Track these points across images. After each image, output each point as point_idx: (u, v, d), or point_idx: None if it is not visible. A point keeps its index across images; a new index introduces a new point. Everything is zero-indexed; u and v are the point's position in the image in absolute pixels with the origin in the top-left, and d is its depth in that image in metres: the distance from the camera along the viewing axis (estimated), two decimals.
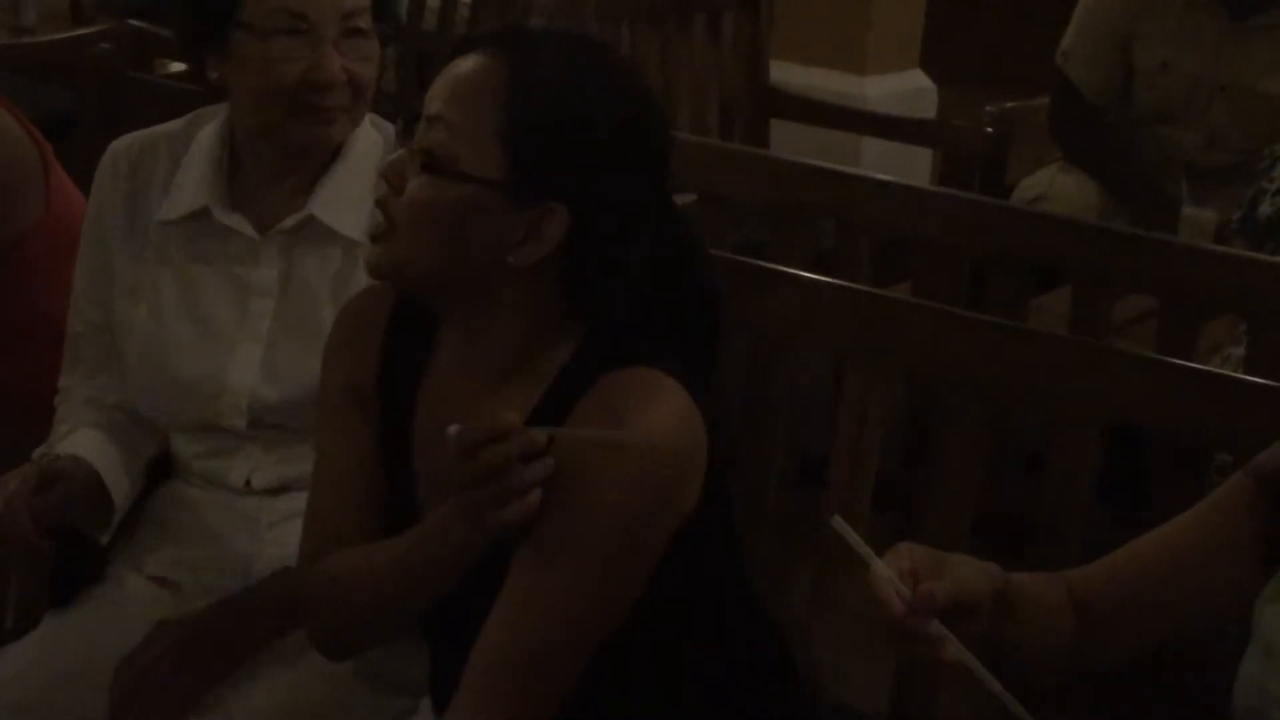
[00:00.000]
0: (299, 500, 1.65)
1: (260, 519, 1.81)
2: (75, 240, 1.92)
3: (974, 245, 2.56)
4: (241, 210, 1.82)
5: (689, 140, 2.94)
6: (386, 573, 1.47)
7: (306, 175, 1.81)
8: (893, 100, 4.65)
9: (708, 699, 1.52)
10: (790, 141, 3.97)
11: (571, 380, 1.43)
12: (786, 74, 4.34)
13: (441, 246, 1.42)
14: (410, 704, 1.70)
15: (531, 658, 1.40)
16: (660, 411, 1.39)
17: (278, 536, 1.78)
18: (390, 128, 1.85)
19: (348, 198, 1.79)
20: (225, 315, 1.81)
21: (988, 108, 3.34)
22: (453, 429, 1.35)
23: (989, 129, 3.29)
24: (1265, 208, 2.56)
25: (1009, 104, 3.36)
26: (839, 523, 1.30)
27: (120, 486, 1.83)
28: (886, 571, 1.29)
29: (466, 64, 1.42)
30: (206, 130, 1.86)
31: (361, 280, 1.76)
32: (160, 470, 1.91)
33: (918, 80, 5.08)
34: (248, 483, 1.81)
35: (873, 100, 4.69)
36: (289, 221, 1.80)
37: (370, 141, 1.83)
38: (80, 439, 1.83)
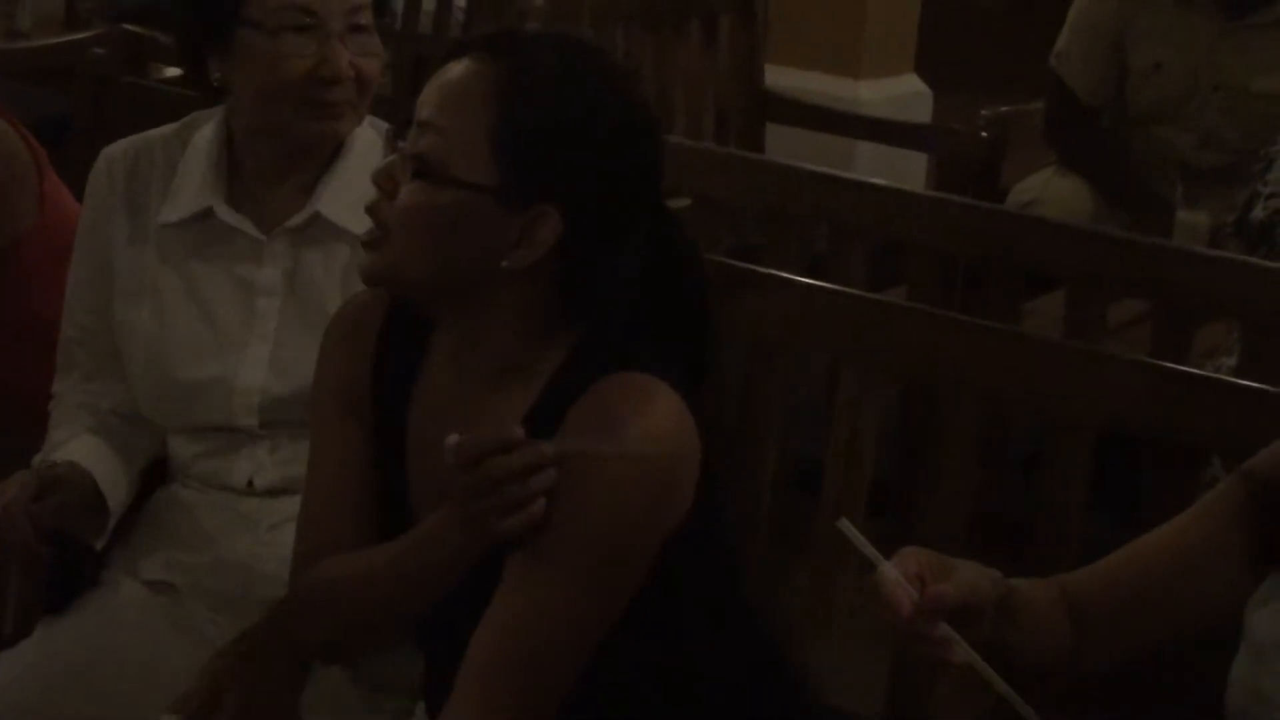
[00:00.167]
0: (299, 503, 1.65)
1: (261, 521, 1.81)
2: (70, 245, 1.92)
3: (968, 249, 2.57)
4: (243, 210, 1.83)
5: (684, 144, 2.95)
6: (382, 577, 1.47)
7: (308, 174, 1.82)
8: (887, 104, 4.66)
9: (703, 703, 1.52)
10: (785, 146, 3.97)
11: (565, 385, 1.43)
12: (782, 78, 4.35)
13: (435, 251, 1.42)
14: (405, 708, 1.70)
15: (526, 661, 1.40)
16: (653, 417, 1.39)
17: (278, 539, 1.78)
18: (386, 127, 1.85)
19: (352, 195, 1.80)
20: (231, 315, 1.81)
21: (983, 112, 3.34)
22: (452, 439, 1.35)
23: (984, 133, 3.30)
24: (1258, 212, 2.56)
25: (1004, 108, 3.36)
26: (845, 525, 1.30)
27: (116, 493, 1.83)
28: (893, 573, 1.29)
29: (457, 69, 1.42)
30: (202, 132, 1.86)
31: None
32: (156, 475, 1.91)
33: (913, 84, 5.08)
34: (250, 483, 1.81)
35: (867, 104, 4.69)
36: (294, 220, 1.81)
37: (369, 140, 1.84)
38: (77, 445, 1.83)
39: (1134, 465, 2.15)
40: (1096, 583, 1.45)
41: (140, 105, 2.53)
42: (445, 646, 1.47)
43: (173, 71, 3.32)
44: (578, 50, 1.46)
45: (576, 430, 1.40)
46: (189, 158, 1.85)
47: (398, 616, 1.51)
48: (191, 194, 1.83)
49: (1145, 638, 1.45)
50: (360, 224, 1.78)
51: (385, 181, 1.44)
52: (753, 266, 1.99)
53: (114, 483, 1.82)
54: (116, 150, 1.89)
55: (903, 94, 4.95)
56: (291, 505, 1.76)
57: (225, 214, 1.82)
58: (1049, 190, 3.28)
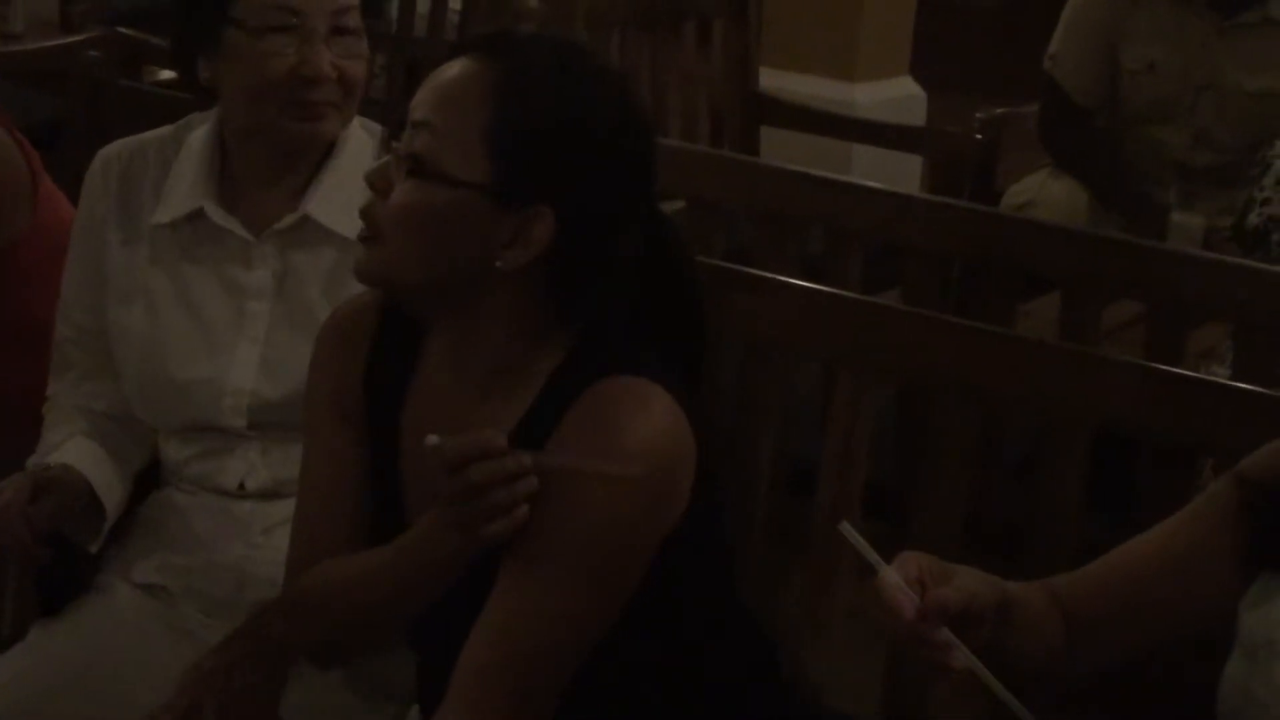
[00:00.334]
0: (291, 506, 1.65)
1: (253, 524, 1.81)
2: (65, 248, 1.92)
3: (963, 252, 2.57)
4: (235, 212, 1.83)
5: (679, 147, 2.95)
6: (375, 580, 1.47)
7: (299, 176, 1.82)
8: (882, 107, 4.66)
9: (700, 704, 1.52)
10: (780, 148, 3.97)
11: (560, 388, 1.43)
12: (776, 81, 4.35)
13: (428, 251, 1.42)
14: (399, 710, 1.69)
15: (520, 664, 1.40)
16: (649, 420, 1.39)
17: (271, 542, 1.78)
18: (377, 128, 1.86)
19: (341, 197, 1.80)
20: (221, 317, 1.81)
21: (977, 114, 3.34)
22: (431, 439, 1.35)
23: (978, 136, 3.30)
24: (1253, 218, 2.58)
25: (998, 111, 3.36)
26: (847, 528, 1.30)
27: (111, 495, 1.83)
28: (895, 577, 1.29)
29: (452, 70, 1.43)
30: (196, 134, 1.86)
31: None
32: (149, 478, 1.91)
33: (907, 87, 5.09)
34: (241, 485, 1.81)
35: (862, 107, 4.70)
36: (284, 222, 1.81)
37: (361, 142, 1.84)
38: (72, 448, 1.83)
39: (1129, 467, 2.15)
40: (1088, 585, 1.46)
41: (134, 108, 2.53)
42: (440, 649, 1.47)
43: (167, 74, 3.32)
44: (572, 51, 1.46)
45: (573, 434, 1.40)
46: (182, 159, 1.85)
47: (393, 619, 1.51)
48: (183, 195, 1.83)
49: (1137, 639, 1.45)
50: (350, 226, 1.78)
51: (380, 181, 1.44)
52: (748, 269, 1.99)
53: (109, 486, 1.82)
54: (112, 151, 1.89)
55: (897, 97, 4.96)
56: (283, 509, 1.76)
57: (216, 215, 1.82)
58: (1044, 192, 3.28)
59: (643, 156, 1.46)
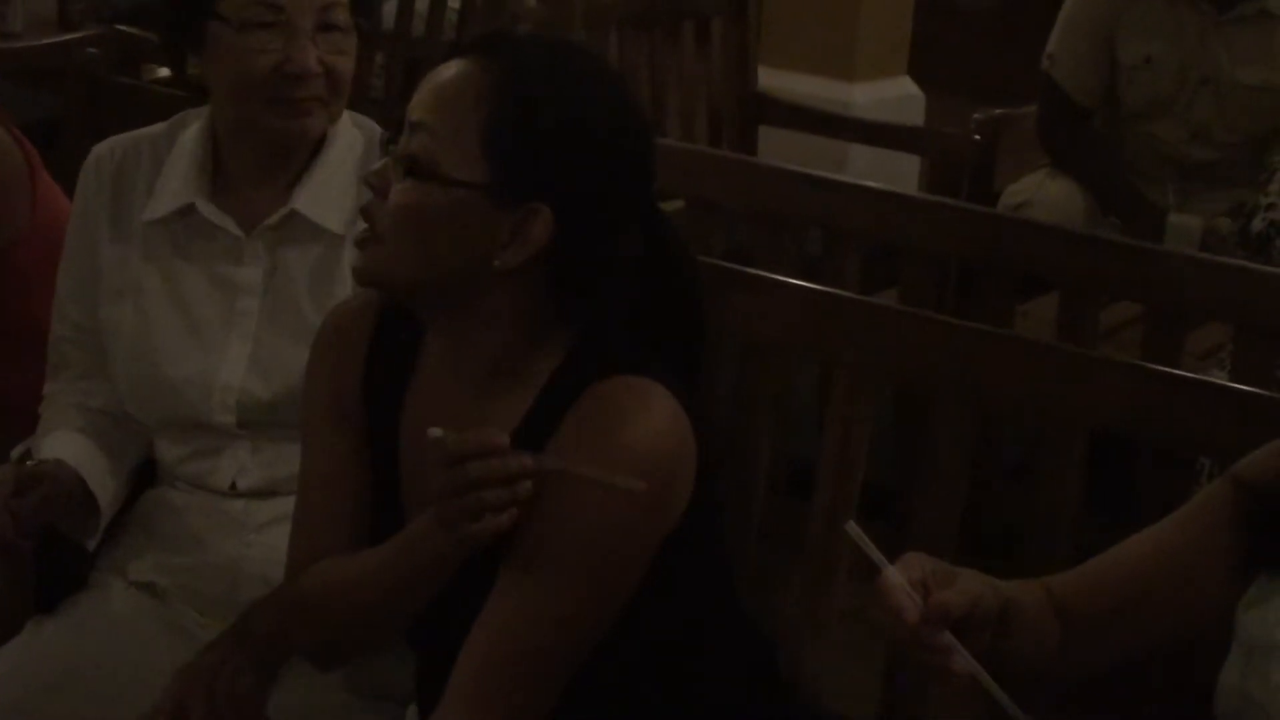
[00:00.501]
0: (285, 504, 1.65)
1: (246, 523, 1.81)
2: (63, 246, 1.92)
3: (961, 252, 2.57)
4: (226, 208, 1.83)
5: (677, 147, 2.94)
6: (372, 580, 1.47)
7: (289, 172, 1.82)
8: (881, 107, 4.66)
9: (696, 707, 1.52)
10: (778, 148, 3.98)
11: (561, 389, 1.43)
12: (775, 80, 4.35)
13: (427, 250, 1.42)
14: (397, 711, 1.69)
15: (518, 664, 1.40)
16: (649, 421, 1.39)
17: (264, 540, 1.78)
18: (370, 124, 1.86)
19: (329, 192, 1.80)
20: (212, 314, 1.81)
21: (975, 115, 3.35)
22: (434, 431, 1.35)
23: (977, 136, 3.30)
24: (1258, 222, 2.58)
25: (996, 111, 3.36)
26: (852, 528, 1.30)
27: (105, 491, 1.82)
28: (898, 579, 1.29)
29: (448, 71, 1.43)
30: (189, 131, 1.86)
31: (343, 274, 1.77)
32: (145, 476, 1.91)
33: (906, 87, 5.09)
34: (233, 485, 1.81)
35: (861, 107, 4.70)
36: (273, 218, 1.81)
37: (351, 138, 1.84)
38: (62, 442, 1.82)
39: (1127, 468, 2.15)
40: (1084, 584, 1.45)
41: (132, 106, 2.52)
42: (438, 649, 1.47)
43: (165, 72, 3.32)
44: (568, 51, 1.47)
45: (573, 434, 1.40)
46: (175, 156, 1.85)
47: (392, 618, 1.50)
48: (175, 191, 1.83)
49: (1133, 639, 1.45)
50: (338, 222, 1.79)
51: (378, 182, 1.44)
52: (746, 269, 1.99)
53: (103, 482, 1.82)
54: (105, 148, 1.89)
55: (895, 97, 4.96)
56: (276, 507, 1.77)
57: (207, 210, 1.82)
58: (1041, 193, 3.28)
59: (640, 155, 1.46)
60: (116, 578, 1.83)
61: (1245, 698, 1.36)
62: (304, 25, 1.74)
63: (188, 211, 1.83)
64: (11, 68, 3.76)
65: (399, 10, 4.29)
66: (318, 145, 1.82)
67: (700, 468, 1.44)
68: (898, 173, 4.24)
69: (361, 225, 1.47)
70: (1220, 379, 2.28)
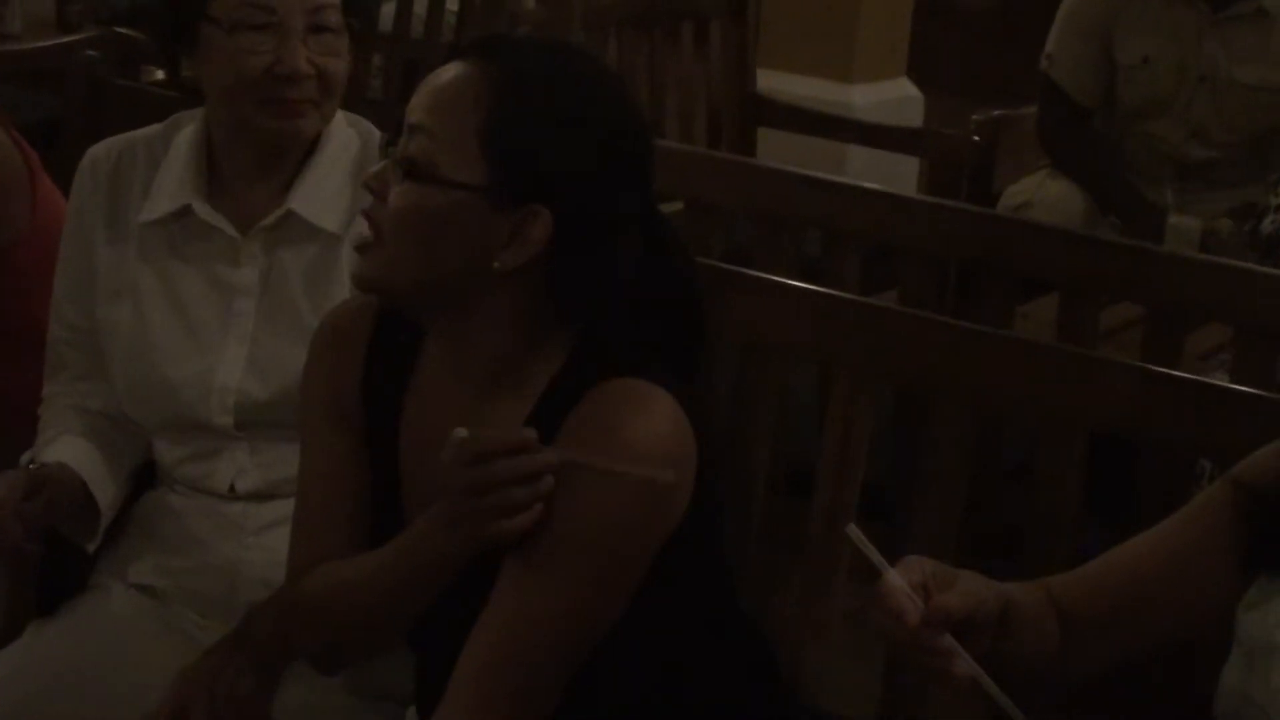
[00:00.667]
0: (284, 506, 1.65)
1: (245, 525, 1.81)
2: None
3: (961, 253, 2.57)
4: (222, 209, 1.83)
5: (676, 148, 2.95)
6: (374, 582, 1.47)
7: (284, 173, 1.82)
8: (880, 109, 4.66)
9: (696, 707, 1.52)
10: (777, 150, 3.98)
11: (562, 391, 1.43)
12: (773, 82, 4.35)
13: (426, 253, 1.42)
14: (397, 711, 1.69)
15: (519, 664, 1.40)
16: (652, 422, 1.39)
17: (263, 542, 1.78)
18: (366, 124, 1.86)
19: (324, 193, 1.81)
20: (208, 315, 1.81)
21: (974, 116, 3.35)
22: (459, 432, 1.36)
23: (976, 137, 3.30)
24: (1267, 224, 2.59)
25: (996, 112, 3.36)
26: (854, 531, 1.30)
27: (105, 493, 1.82)
28: (899, 582, 1.29)
29: (447, 73, 1.43)
30: (184, 132, 1.87)
31: (340, 273, 1.77)
32: (145, 479, 1.91)
33: (905, 89, 5.09)
34: (232, 488, 1.81)
35: (859, 109, 4.70)
36: (270, 219, 1.81)
37: (346, 138, 1.85)
38: (65, 446, 1.83)
39: (1127, 469, 2.15)
40: (1085, 586, 1.46)
41: (131, 107, 2.52)
42: (438, 649, 1.47)
43: (162, 74, 3.32)
44: (565, 52, 1.47)
45: (576, 437, 1.40)
46: (171, 157, 1.85)
47: (394, 620, 1.50)
48: (171, 192, 1.83)
49: (1134, 641, 1.45)
50: (333, 221, 1.80)
51: (377, 185, 1.44)
52: (745, 270, 1.99)
53: (103, 484, 1.82)
54: (100, 150, 1.89)
55: (895, 98, 4.96)
56: (275, 510, 1.77)
57: (204, 212, 1.82)
58: (1041, 193, 3.28)
59: (638, 155, 1.46)
60: (116, 580, 1.83)
61: (1245, 699, 1.36)
62: (295, 26, 1.75)
63: (184, 213, 1.83)
64: (11, 69, 3.76)
65: (397, 12, 4.29)
66: (312, 146, 1.83)
67: (700, 468, 1.43)
68: (897, 174, 4.25)
69: (359, 226, 1.47)
70: (1220, 380, 2.28)
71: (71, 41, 3.59)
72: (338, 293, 1.76)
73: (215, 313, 1.81)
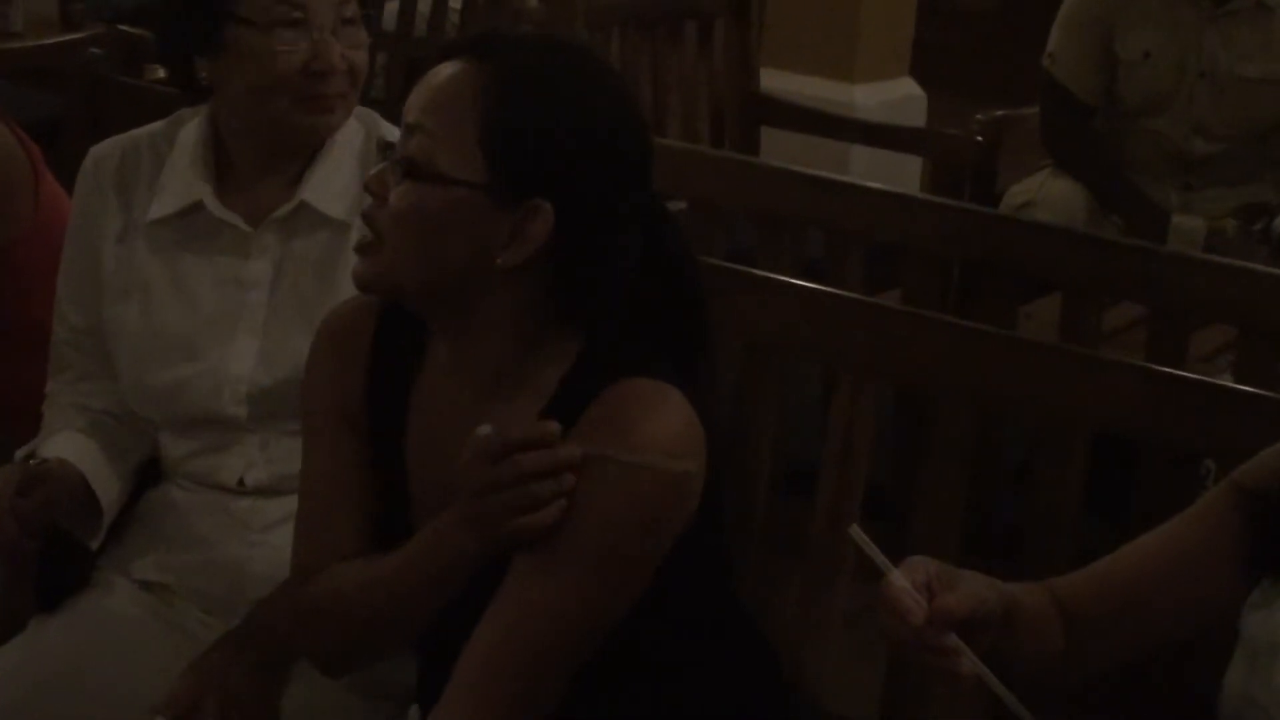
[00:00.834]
0: (290, 503, 1.64)
1: (251, 522, 1.80)
2: None
3: (964, 253, 2.57)
4: (231, 204, 1.83)
5: (679, 147, 2.94)
6: (386, 584, 1.47)
7: (295, 166, 1.83)
8: (883, 108, 4.66)
9: (696, 707, 1.51)
10: (780, 149, 3.97)
11: (574, 392, 1.43)
12: (777, 81, 4.35)
13: (428, 252, 1.42)
14: (398, 711, 1.69)
15: (523, 661, 1.40)
16: (666, 422, 1.39)
17: (268, 539, 1.78)
18: (370, 114, 1.87)
19: (334, 183, 1.82)
20: (219, 308, 1.82)
21: (977, 116, 3.34)
22: (484, 428, 1.35)
23: (979, 137, 3.30)
24: (1278, 223, 2.58)
25: (999, 112, 3.36)
26: (856, 532, 1.30)
27: (108, 490, 1.82)
28: (903, 582, 1.29)
29: (444, 72, 1.43)
30: (188, 128, 1.87)
31: (348, 260, 1.77)
32: (149, 475, 1.91)
33: (908, 88, 5.09)
34: (241, 481, 1.81)
35: (862, 108, 4.70)
36: (281, 211, 1.81)
37: (351, 129, 1.85)
38: (65, 442, 1.83)
39: (1129, 470, 2.15)
40: (1089, 586, 1.46)
41: (134, 106, 2.52)
42: (440, 649, 1.47)
43: (164, 72, 3.32)
44: (561, 48, 1.47)
45: (592, 436, 1.39)
46: (176, 154, 1.85)
47: (405, 623, 1.50)
48: (179, 189, 1.83)
49: (1137, 641, 1.45)
50: (343, 210, 1.80)
51: (377, 186, 1.44)
52: (748, 269, 1.99)
53: (105, 481, 1.82)
54: (104, 149, 1.89)
55: (898, 98, 4.96)
56: (282, 506, 1.76)
57: (215, 207, 1.82)
58: (1044, 193, 3.28)
59: (635, 148, 1.45)
60: (120, 576, 1.83)
61: (1249, 700, 1.36)
62: (326, 22, 1.76)
63: (194, 209, 1.83)
64: (13, 67, 3.76)
65: (400, 11, 4.29)
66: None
67: (707, 470, 1.43)
68: (900, 174, 4.24)
69: (362, 225, 1.47)
70: (1224, 381, 2.28)
71: (74, 39, 3.59)
72: (346, 279, 1.76)
73: (226, 307, 1.81)
